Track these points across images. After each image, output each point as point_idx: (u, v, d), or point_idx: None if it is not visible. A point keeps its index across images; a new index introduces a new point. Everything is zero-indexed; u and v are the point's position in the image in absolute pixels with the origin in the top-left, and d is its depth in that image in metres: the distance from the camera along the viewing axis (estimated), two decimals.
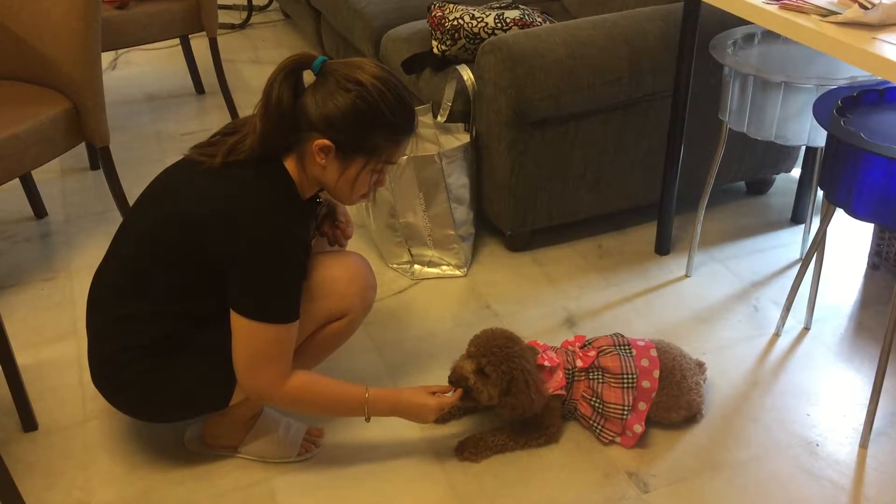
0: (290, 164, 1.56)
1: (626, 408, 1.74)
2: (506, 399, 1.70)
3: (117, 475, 1.74)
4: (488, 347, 1.69)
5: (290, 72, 1.50)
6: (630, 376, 1.75)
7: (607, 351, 1.78)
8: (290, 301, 1.53)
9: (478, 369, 1.69)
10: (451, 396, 1.69)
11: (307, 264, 1.59)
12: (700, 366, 1.88)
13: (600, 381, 1.77)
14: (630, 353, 1.78)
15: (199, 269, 1.52)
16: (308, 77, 1.54)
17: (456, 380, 1.70)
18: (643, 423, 1.76)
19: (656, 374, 1.76)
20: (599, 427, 1.78)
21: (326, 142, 1.50)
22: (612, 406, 1.75)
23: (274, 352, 1.53)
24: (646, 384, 1.75)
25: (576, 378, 1.78)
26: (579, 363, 1.78)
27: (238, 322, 1.52)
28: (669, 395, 1.78)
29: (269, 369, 1.54)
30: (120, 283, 1.60)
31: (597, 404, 1.77)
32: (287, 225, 1.51)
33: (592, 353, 1.79)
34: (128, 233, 1.64)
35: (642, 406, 1.75)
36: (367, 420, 1.65)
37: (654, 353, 1.78)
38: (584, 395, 1.78)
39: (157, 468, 1.75)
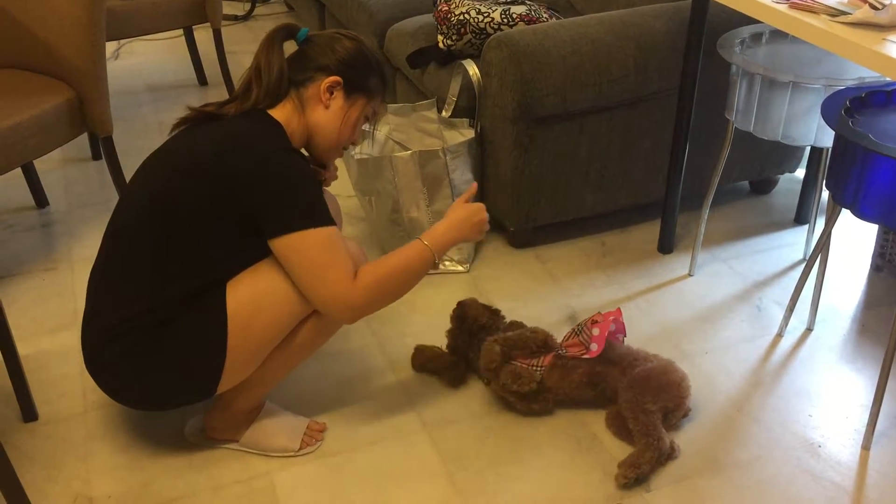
0: (279, 115, 1.64)
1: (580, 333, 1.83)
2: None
3: (117, 466, 1.74)
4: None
5: (281, 39, 1.68)
6: (578, 327, 1.83)
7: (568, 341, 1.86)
8: (320, 205, 1.56)
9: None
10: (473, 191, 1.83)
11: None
12: (680, 394, 1.79)
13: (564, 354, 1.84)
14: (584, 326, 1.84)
15: (203, 221, 1.53)
16: None
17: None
18: (601, 329, 1.79)
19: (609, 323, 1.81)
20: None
21: (336, 78, 1.66)
22: (571, 348, 1.84)
23: (330, 257, 1.54)
24: (595, 332, 1.79)
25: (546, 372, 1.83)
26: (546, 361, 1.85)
27: (282, 248, 1.53)
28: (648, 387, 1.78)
29: (333, 276, 1.53)
30: (122, 253, 1.59)
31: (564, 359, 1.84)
32: (290, 147, 1.59)
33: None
34: (127, 204, 1.64)
35: (596, 332, 1.80)
36: (437, 265, 1.82)
37: (611, 318, 1.82)
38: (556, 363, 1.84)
39: (157, 460, 1.75)
